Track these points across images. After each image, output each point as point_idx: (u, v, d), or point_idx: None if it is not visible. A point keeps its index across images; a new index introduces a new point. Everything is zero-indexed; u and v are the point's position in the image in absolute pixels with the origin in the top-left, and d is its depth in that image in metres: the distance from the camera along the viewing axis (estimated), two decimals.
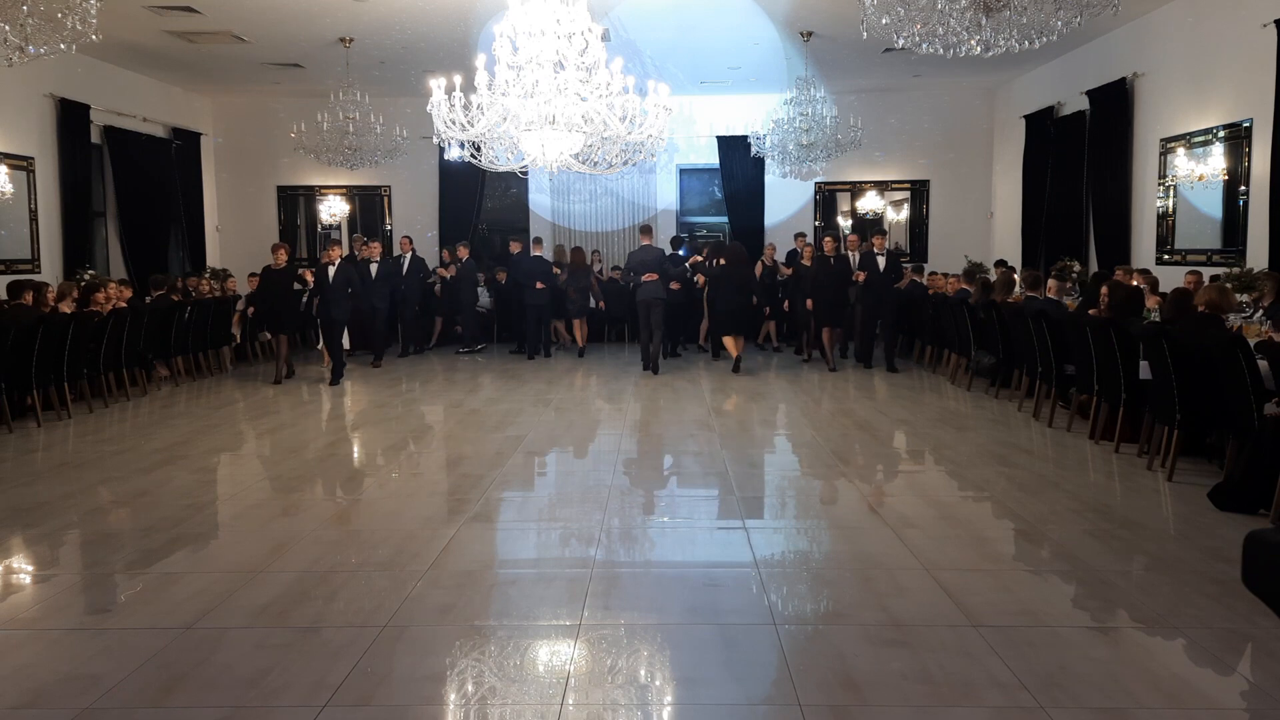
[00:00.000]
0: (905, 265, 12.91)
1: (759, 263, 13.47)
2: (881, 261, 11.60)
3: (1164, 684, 3.35)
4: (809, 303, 11.84)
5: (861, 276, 11.55)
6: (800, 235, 14.68)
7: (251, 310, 12.19)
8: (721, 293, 11.33)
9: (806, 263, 12.32)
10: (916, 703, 3.23)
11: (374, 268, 12.66)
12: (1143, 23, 10.79)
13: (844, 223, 16.18)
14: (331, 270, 10.80)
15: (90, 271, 11.73)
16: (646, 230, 12.17)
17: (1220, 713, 3.19)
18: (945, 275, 12.69)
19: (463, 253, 14.04)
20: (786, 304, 13.32)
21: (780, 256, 14.36)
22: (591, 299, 13.78)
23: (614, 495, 5.94)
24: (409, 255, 13.58)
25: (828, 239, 12.08)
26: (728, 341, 11.43)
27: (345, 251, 12.98)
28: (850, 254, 12.03)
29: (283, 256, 10.94)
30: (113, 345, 9.51)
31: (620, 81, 6.99)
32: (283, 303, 11.06)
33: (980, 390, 9.89)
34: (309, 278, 11.67)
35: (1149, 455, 6.59)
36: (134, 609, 4.16)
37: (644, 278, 11.53)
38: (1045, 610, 4.06)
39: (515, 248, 13.99)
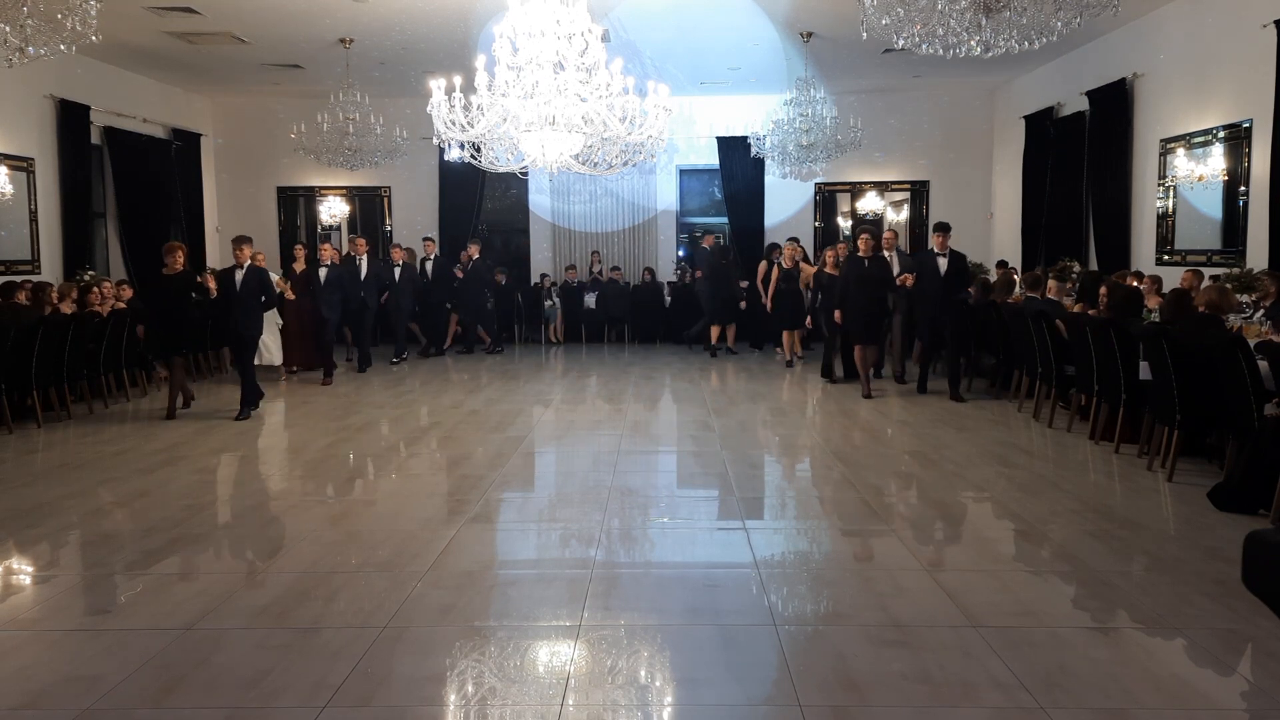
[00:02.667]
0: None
1: (775, 265, 12.29)
2: (943, 264, 9.43)
3: (1164, 684, 3.35)
4: (837, 315, 9.87)
5: (910, 280, 9.63)
6: (774, 246, 13.94)
7: (141, 329, 9.78)
8: (709, 287, 13.35)
9: (830, 270, 10.63)
10: (917, 703, 3.23)
11: (323, 272, 11.36)
12: (1143, 23, 10.79)
13: (844, 223, 16.15)
14: (240, 275, 8.77)
15: (90, 272, 11.72)
16: (709, 235, 14.69)
17: (1220, 713, 3.19)
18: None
19: (397, 255, 13.20)
20: (809, 319, 11.73)
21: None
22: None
23: (614, 496, 5.94)
24: (364, 257, 12.36)
25: (864, 236, 9.71)
26: (714, 330, 13.45)
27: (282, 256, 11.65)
28: (887, 254, 10.35)
29: (179, 259, 8.86)
30: (113, 346, 9.51)
31: (620, 82, 6.99)
32: (174, 318, 8.93)
33: (980, 390, 9.88)
34: (211, 284, 9.33)
35: (1149, 455, 6.58)
36: (134, 610, 4.16)
37: (696, 274, 14.27)
38: (1045, 610, 4.06)
39: (430, 248, 13.77)
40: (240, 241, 8.94)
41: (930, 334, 9.77)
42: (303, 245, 12.21)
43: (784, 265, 12.18)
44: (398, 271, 12.98)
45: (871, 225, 11.11)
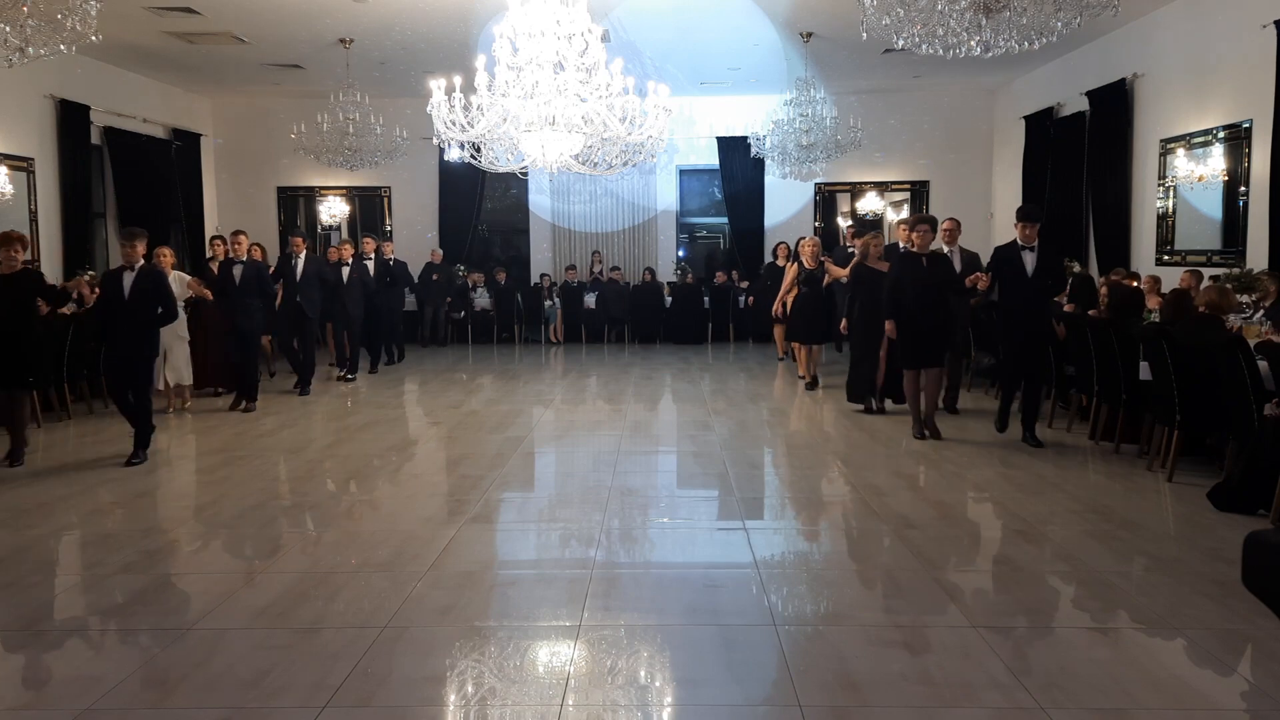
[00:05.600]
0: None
1: (795, 263, 10.52)
2: (1030, 261, 7.03)
3: (1164, 684, 3.35)
4: (889, 327, 7.70)
5: (984, 281, 7.24)
6: (783, 244, 13.18)
7: None
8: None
9: (874, 264, 8.53)
10: (916, 703, 3.23)
11: (237, 270, 9.14)
12: (1143, 23, 10.79)
13: (844, 223, 16.12)
14: (129, 279, 6.91)
15: (90, 273, 11.71)
16: (783, 243, 13.45)
17: (1220, 713, 3.19)
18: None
19: (346, 253, 11.30)
20: (845, 324, 9.43)
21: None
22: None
23: (614, 496, 5.94)
24: (303, 255, 10.37)
25: (920, 228, 7.53)
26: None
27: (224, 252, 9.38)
28: (948, 250, 8.39)
29: (17, 254, 6.87)
30: None
31: (620, 82, 7.00)
32: (11, 334, 6.80)
33: (980, 391, 9.88)
34: (84, 290, 7.27)
35: (1149, 456, 6.59)
36: (134, 610, 4.16)
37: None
38: (1045, 610, 4.06)
39: (370, 246, 11.99)
40: (131, 237, 7.04)
41: (1018, 357, 7.29)
42: (220, 240, 9.72)
43: (806, 264, 10.21)
44: (345, 271, 11.04)
45: (929, 217, 8.00)
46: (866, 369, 8.66)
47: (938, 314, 7.48)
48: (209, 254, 10.46)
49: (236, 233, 9.47)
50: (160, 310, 7.11)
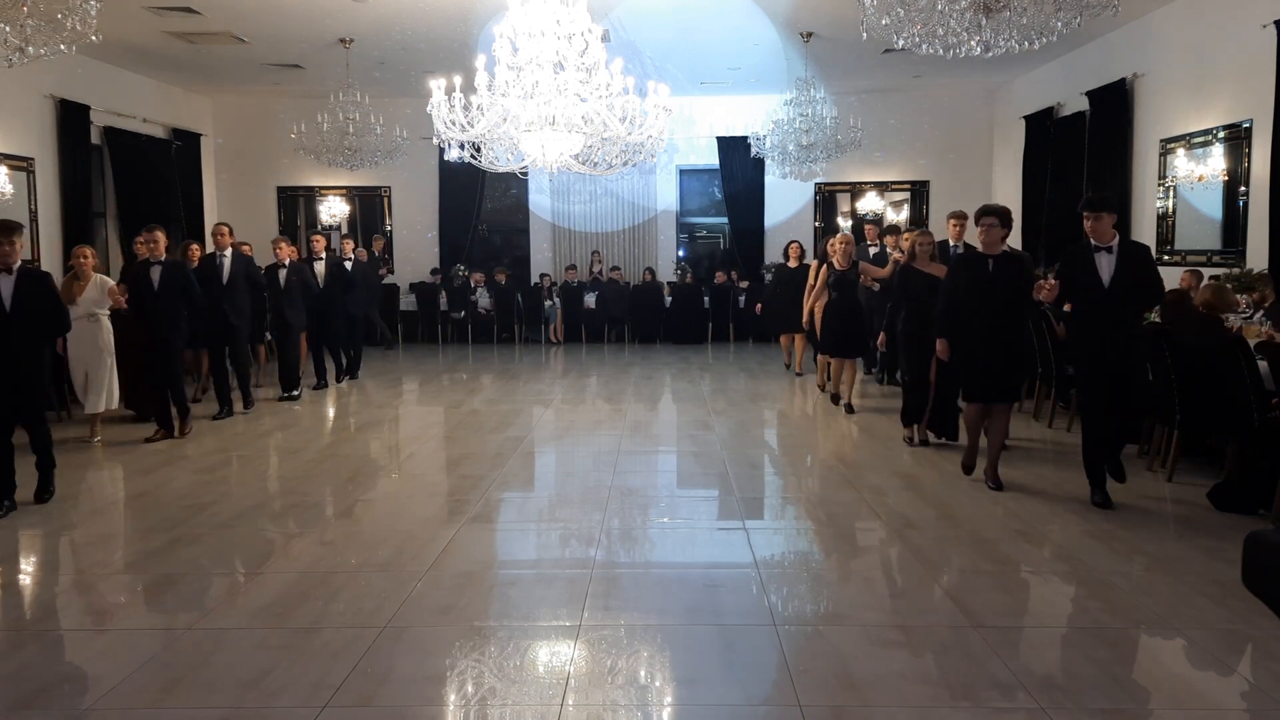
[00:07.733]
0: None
1: (825, 265, 8.97)
2: (1107, 265, 5.45)
3: (1164, 684, 3.35)
4: (940, 347, 6.22)
5: (1051, 291, 5.53)
6: (796, 242, 11.33)
7: None
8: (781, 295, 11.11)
9: (924, 266, 7.09)
10: (916, 703, 3.23)
11: (155, 272, 7.74)
12: (1143, 23, 10.78)
13: (844, 223, 16.10)
14: (6, 284, 5.68)
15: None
16: (794, 243, 11.56)
17: (1220, 713, 3.19)
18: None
19: (284, 252, 9.85)
20: (883, 339, 8.50)
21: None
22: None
23: (614, 496, 5.94)
24: (229, 252, 9.03)
25: (986, 220, 5.88)
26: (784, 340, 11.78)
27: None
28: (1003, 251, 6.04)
29: None
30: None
31: (620, 82, 7.00)
32: None
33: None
34: None
35: (1149, 456, 6.59)
36: (134, 609, 4.17)
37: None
38: (1045, 610, 4.06)
39: (320, 245, 10.87)
40: (7, 231, 5.74)
41: (1095, 390, 5.59)
42: (140, 239, 8.32)
43: (837, 266, 8.74)
44: (283, 274, 9.69)
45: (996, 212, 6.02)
46: (923, 393, 7.23)
47: (1009, 333, 5.86)
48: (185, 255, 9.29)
49: (152, 228, 7.94)
50: (52, 320, 5.93)
